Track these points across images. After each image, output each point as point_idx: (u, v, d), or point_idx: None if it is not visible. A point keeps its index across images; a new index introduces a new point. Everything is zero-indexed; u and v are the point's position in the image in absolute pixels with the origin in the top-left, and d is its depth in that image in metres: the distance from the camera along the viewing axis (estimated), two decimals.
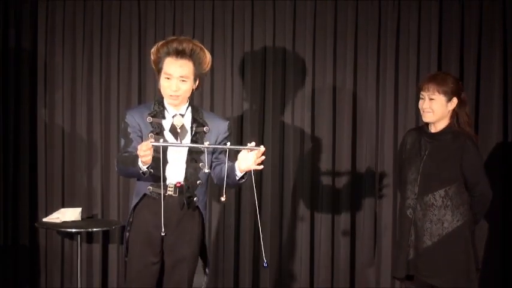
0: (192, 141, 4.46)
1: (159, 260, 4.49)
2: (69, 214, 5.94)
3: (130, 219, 4.50)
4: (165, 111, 4.48)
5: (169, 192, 4.43)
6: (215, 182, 4.59)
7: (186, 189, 4.44)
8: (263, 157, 4.27)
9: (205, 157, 4.31)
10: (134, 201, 4.49)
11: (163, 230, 4.30)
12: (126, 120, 4.44)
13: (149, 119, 4.44)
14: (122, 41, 6.16)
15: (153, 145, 4.16)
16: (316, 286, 6.15)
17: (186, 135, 4.47)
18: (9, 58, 6.18)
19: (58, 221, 5.88)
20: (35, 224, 6.01)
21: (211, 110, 6.09)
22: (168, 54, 4.43)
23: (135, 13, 6.17)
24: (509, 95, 6.00)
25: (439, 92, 4.84)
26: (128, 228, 4.50)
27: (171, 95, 4.43)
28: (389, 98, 6.08)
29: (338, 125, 6.13)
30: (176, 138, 4.45)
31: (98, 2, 6.19)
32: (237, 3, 6.14)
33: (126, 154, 4.36)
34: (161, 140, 4.23)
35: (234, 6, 6.14)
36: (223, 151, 4.49)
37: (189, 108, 4.53)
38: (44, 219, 5.96)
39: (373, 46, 6.08)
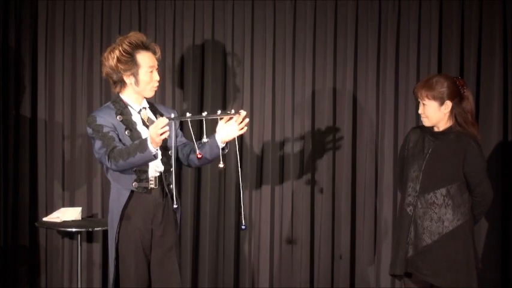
0: None
1: (149, 255, 4.55)
2: (70, 213, 5.94)
3: (120, 221, 4.50)
4: (129, 107, 4.55)
5: (151, 185, 4.50)
6: (185, 163, 4.67)
7: (164, 177, 4.54)
8: (247, 120, 4.41)
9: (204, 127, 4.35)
10: (121, 200, 4.50)
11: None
12: (97, 123, 4.46)
13: (119, 117, 4.51)
14: None
15: (172, 119, 4.22)
16: (316, 286, 6.15)
17: None
18: (9, 58, 6.19)
19: (58, 220, 5.88)
20: (35, 223, 6.01)
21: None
22: (137, 49, 4.52)
23: (135, 13, 6.17)
24: (509, 95, 6.00)
25: (428, 98, 4.82)
26: (118, 229, 4.50)
27: (155, 86, 4.58)
28: (389, 98, 6.08)
29: (338, 125, 6.13)
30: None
31: (98, 2, 6.19)
32: (237, 3, 6.15)
33: (120, 147, 4.39)
34: (172, 115, 4.30)
35: (234, 6, 6.15)
36: (182, 135, 4.69)
37: (145, 101, 4.63)
38: (44, 219, 5.96)
39: (373, 46, 6.08)
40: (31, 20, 6.22)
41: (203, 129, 4.29)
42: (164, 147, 4.53)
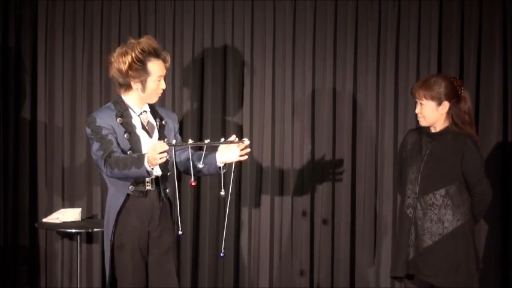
0: (159, 134, 4.57)
1: (146, 256, 4.55)
2: (69, 214, 5.95)
3: (116, 223, 4.49)
4: (129, 110, 4.53)
5: (148, 187, 4.49)
6: (181, 169, 4.64)
7: (161, 181, 4.53)
8: (248, 149, 4.39)
9: (203, 155, 4.40)
10: (117, 203, 4.49)
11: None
12: (97, 124, 4.45)
13: (119, 119, 4.49)
14: (121, 41, 6.13)
15: (172, 145, 4.21)
16: (316, 286, 6.15)
17: (154, 130, 4.57)
18: (9, 58, 6.19)
19: (58, 221, 5.88)
20: (35, 224, 6.02)
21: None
22: (148, 57, 4.47)
23: (135, 13, 6.17)
24: (509, 95, 6.00)
25: (426, 98, 4.83)
26: (113, 231, 4.49)
27: (159, 93, 4.56)
28: (389, 98, 6.08)
29: (338, 125, 6.12)
30: (149, 135, 4.54)
31: (98, 2, 6.19)
32: (237, 4, 6.14)
33: (118, 155, 4.38)
34: (173, 141, 4.29)
35: (234, 7, 6.14)
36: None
37: (146, 104, 4.61)
38: (44, 220, 5.96)
39: (373, 46, 6.07)
40: (31, 21, 6.21)
41: (203, 154, 4.34)
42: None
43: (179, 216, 4.44)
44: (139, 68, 4.43)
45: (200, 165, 4.36)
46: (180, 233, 4.42)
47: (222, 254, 4.52)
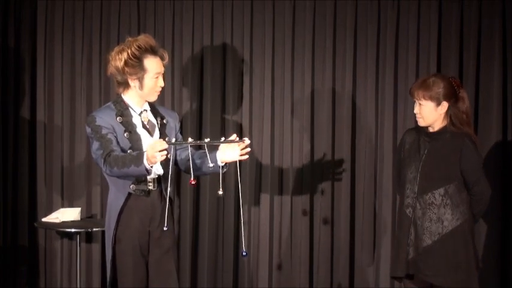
0: (160, 133, 4.57)
1: (147, 256, 4.55)
2: (69, 214, 5.95)
3: (117, 224, 4.49)
4: (129, 109, 4.54)
5: (150, 187, 4.50)
6: (182, 169, 4.65)
7: (163, 180, 4.53)
8: (248, 149, 4.39)
9: (207, 154, 4.38)
10: (119, 202, 4.50)
11: (165, 226, 4.43)
12: (97, 123, 4.45)
13: (119, 118, 4.49)
14: (121, 41, 6.13)
15: (172, 143, 4.22)
16: (316, 286, 6.15)
17: (154, 129, 4.57)
18: (9, 58, 6.19)
19: (57, 221, 5.88)
20: (35, 224, 6.02)
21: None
22: (145, 53, 4.47)
23: (134, 13, 6.18)
24: (509, 95, 6.00)
25: (425, 98, 4.83)
26: (115, 231, 4.49)
27: (158, 91, 4.55)
28: (388, 98, 6.08)
29: (337, 125, 6.13)
30: (150, 134, 4.54)
31: (98, 2, 6.20)
32: (237, 4, 6.14)
33: (117, 154, 4.38)
34: (173, 140, 4.29)
35: (234, 7, 6.14)
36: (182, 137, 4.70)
37: (146, 103, 4.61)
38: (43, 219, 5.97)
39: (372, 47, 6.07)
40: (30, 21, 6.22)
41: (206, 153, 4.33)
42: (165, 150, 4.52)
43: (168, 212, 4.43)
44: (135, 64, 4.44)
45: (210, 165, 4.36)
46: (165, 228, 4.42)
47: (244, 253, 4.45)
